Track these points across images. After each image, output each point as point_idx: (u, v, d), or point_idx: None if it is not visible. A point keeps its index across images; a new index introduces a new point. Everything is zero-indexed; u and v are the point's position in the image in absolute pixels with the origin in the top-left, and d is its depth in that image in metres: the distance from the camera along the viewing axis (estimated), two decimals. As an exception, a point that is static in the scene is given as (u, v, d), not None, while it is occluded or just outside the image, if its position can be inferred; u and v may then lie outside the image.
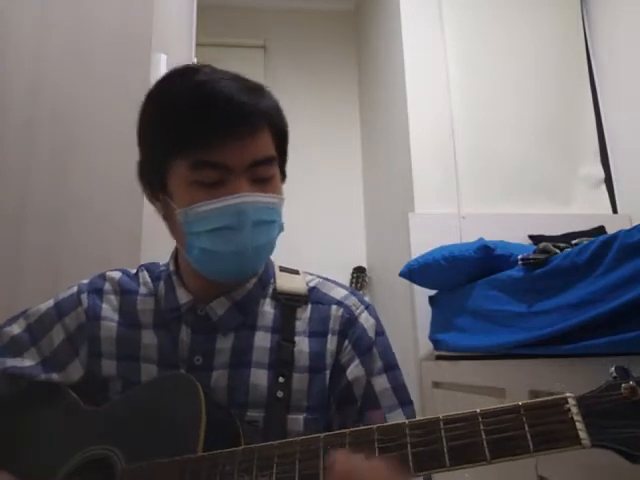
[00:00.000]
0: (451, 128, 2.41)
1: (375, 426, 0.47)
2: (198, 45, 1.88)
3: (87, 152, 1.28)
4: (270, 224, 0.68)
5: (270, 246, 0.70)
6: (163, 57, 1.37)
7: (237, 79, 0.67)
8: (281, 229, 0.72)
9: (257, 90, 0.68)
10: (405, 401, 0.71)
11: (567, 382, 1.17)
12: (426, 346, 2.11)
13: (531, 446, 0.41)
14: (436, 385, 2.03)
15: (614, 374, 0.42)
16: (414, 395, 2.32)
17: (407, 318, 2.29)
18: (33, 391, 0.72)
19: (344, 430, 0.48)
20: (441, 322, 1.98)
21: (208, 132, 0.63)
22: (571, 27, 2.64)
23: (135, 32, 1.36)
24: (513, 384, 1.42)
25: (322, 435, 0.48)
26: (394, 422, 0.47)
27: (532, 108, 2.50)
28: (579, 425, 0.40)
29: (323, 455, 0.47)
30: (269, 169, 0.67)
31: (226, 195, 0.64)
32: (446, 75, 2.47)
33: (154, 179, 0.69)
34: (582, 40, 2.63)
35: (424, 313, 2.12)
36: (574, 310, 1.16)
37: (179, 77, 0.68)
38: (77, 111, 1.30)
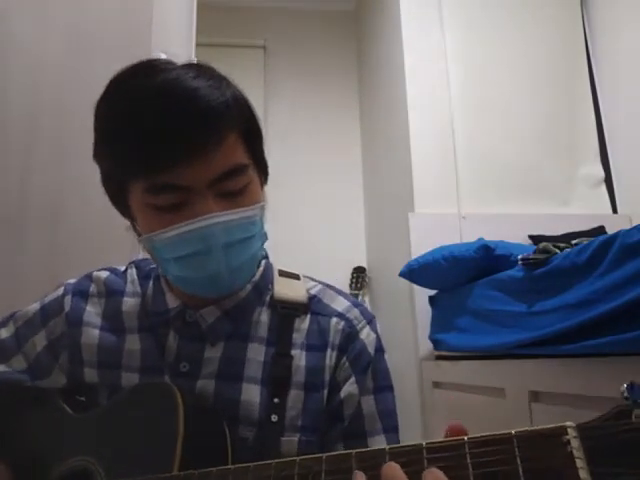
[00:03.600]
0: (451, 128, 2.41)
1: (354, 452, 0.43)
2: (198, 45, 1.87)
3: (87, 152, 1.28)
4: (247, 240, 0.61)
5: (251, 262, 0.64)
6: (163, 57, 1.37)
7: (193, 77, 0.57)
8: (264, 239, 0.66)
9: (217, 87, 0.57)
10: (389, 428, 0.67)
11: (567, 382, 1.17)
12: (426, 346, 2.11)
13: None
14: (436, 385, 2.02)
15: (625, 394, 0.34)
16: (414, 395, 2.32)
17: (407, 318, 2.29)
18: (19, 397, 0.70)
19: (320, 455, 0.44)
20: (441, 322, 1.98)
21: (160, 151, 0.54)
22: (571, 27, 2.63)
23: (135, 32, 1.36)
24: (513, 384, 1.42)
25: (297, 459, 0.45)
26: (374, 448, 0.43)
27: (532, 108, 2.50)
28: (579, 462, 0.34)
29: None
30: (239, 180, 0.59)
31: (190, 218, 0.56)
32: (446, 75, 2.47)
33: (117, 200, 0.64)
34: (582, 40, 2.63)
35: (424, 313, 2.12)
36: (574, 310, 1.15)
37: (127, 83, 0.59)
38: (77, 111, 1.30)
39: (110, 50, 1.34)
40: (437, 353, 2.05)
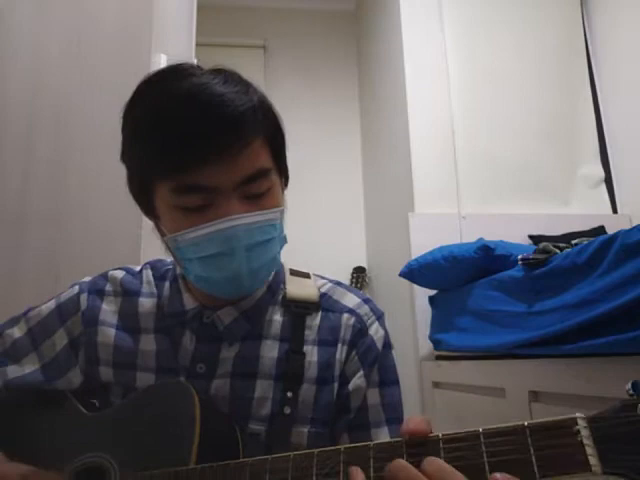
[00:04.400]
0: (451, 128, 2.41)
1: (372, 443, 0.44)
2: (198, 45, 1.87)
3: (87, 152, 1.28)
4: (268, 242, 0.62)
5: (270, 265, 0.66)
6: (163, 57, 1.37)
7: (221, 82, 0.58)
8: (283, 242, 0.67)
9: (244, 93, 0.60)
10: (392, 419, 0.68)
11: (567, 382, 1.17)
12: (426, 346, 2.11)
13: (536, 471, 0.37)
14: (436, 385, 2.03)
15: (630, 391, 0.37)
16: (414, 395, 2.31)
17: (407, 318, 2.29)
18: (32, 396, 0.70)
19: (338, 447, 0.46)
20: (441, 322, 1.98)
21: (190, 153, 0.56)
22: (571, 27, 2.64)
23: (135, 32, 1.36)
24: (513, 384, 1.42)
25: (315, 451, 0.46)
26: (392, 440, 0.44)
27: (532, 108, 2.50)
28: (589, 450, 0.36)
29: (316, 472, 0.45)
30: (263, 183, 0.61)
31: (215, 219, 0.58)
32: (446, 75, 2.47)
33: (141, 200, 0.65)
34: (582, 40, 2.63)
35: (424, 313, 2.12)
36: (574, 310, 1.16)
37: (157, 87, 0.60)
38: (77, 111, 1.30)
39: (110, 50, 1.34)
40: (437, 353, 2.05)
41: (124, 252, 1.22)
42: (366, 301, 0.73)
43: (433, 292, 2.08)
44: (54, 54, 1.32)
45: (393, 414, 0.69)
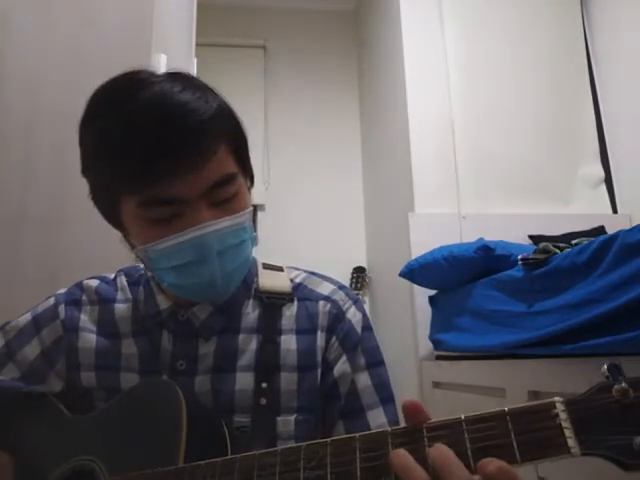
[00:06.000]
0: (451, 128, 2.41)
1: (357, 435, 0.44)
2: (198, 45, 1.88)
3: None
4: (239, 245, 0.63)
5: (243, 266, 0.66)
6: (163, 57, 1.37)
7: (180, 90, 0.57)
8: (254, 242, 0.67)
9: (204, 100, 0.58)
10: (386, 399, 0.69)
11: (567, 382, 1.17)
12: (426, 346, 2.11)
13: (518, 455, 0.38)
14: (436, 385, 2.03)
15: (606, 373, 0.39)
16: (414, 395, 2.30)
17: (407, 318, 2.29)
18: (17, 401, 0.70)
19: (325, 440, 0.46)
20: (441, 322, 1.98)
21: (155, 167, 0.55)
22: (571, 27, 2.64)
23: (135, 32, 1.36)
24: (513, 384, 1.42)
25: (303, 445, 0.46)
26: (377, 430, 0.44)
27: (532, 108, 2.51)
28: (568, 432, 0.37)
29: (303, 465, 0.45)
30: (229, 188, 0.61)
31: (185, 228, 0.58)
32: (446, 75, 2.47)
33: (107, 214, 0.64)
34: (582, 40, 2.63)
35: (424, 313, 2.12)
36: (574, 310, 1.16)
37: (115, 98, 0.59)
38: (77, 111, 1.30)
39: (110, 50, 1.34)
40: (437, 353, 2.05)
41: (123, 252, 1.21)
42: (341, 287, 0.74)
43: (433, 292, 2.08)
44: (54, 54, 1.32)
45: (385, 393, 0.70)
